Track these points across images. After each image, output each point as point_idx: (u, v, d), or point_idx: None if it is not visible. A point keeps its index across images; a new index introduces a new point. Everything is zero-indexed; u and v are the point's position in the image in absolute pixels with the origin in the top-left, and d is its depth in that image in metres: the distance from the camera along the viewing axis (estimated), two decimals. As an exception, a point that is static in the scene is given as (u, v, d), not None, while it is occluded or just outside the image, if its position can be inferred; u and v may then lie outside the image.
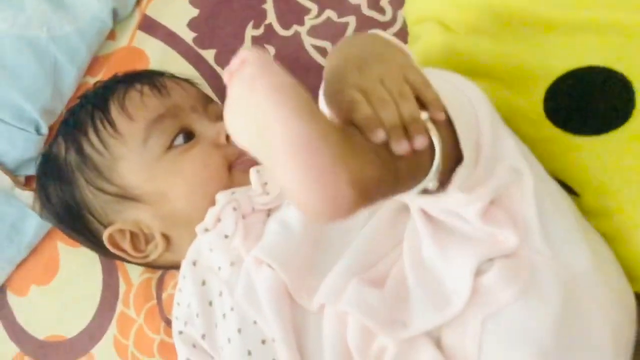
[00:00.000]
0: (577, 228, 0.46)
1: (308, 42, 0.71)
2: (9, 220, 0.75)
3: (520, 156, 0.44)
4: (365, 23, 0.69)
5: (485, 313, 0.42)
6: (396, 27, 0.68)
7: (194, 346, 0.55)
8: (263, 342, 0.50)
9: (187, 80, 0.68)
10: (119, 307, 0.73)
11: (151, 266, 0.67)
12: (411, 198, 0.43)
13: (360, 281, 0.46)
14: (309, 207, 0.34)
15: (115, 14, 0.77)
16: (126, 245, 0.61)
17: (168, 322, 0.70)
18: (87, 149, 0.61)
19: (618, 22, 0.43)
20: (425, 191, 0.41)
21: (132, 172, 0.60)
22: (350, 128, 0.37)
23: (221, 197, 0.56)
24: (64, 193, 0.63)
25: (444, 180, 0.41)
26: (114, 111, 0.61)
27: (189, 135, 0.62)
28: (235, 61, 0.37)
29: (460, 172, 0.41)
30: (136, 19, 0.79)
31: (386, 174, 0.36)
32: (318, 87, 0.68)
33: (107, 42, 0.79)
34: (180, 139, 0.61)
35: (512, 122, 0.46)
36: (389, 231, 0.49)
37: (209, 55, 0.75)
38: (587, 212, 0.48)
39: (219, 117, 0.65)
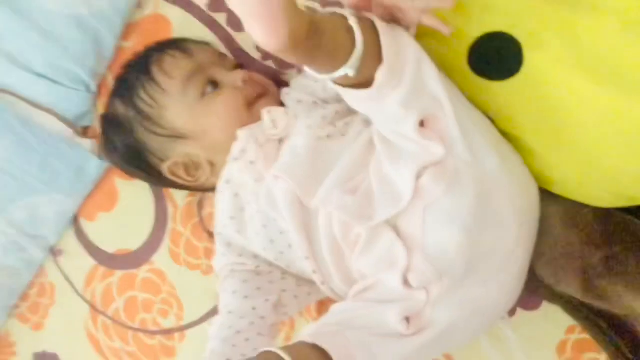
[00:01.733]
0: (489, 140, 0.65)
1: (302, 3, 0.86)
2: (75, 162, 0.95)
3: (442, 89, 0.62)
4: None
5: (425, 204, 0.62)
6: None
7: (231, 242, 0.76)
8: (281, 232, 0.71)
9: (204, 42, 0.85)
10: (170, 224, 0.94)
11: (199, 189, 0.86)
12: (369, 114, 0.63)
13: (341, 191, 0.66)
14: (261, 36, 0.50)
15: (140, -13, 0.93)
16: (181, 173, 0.80)
17: (209, 234, 0.91)
18: (140, 104, 0.79)
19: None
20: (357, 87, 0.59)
21: (177, 117, 0.78)
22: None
23: (242, 133, 0.75)
24: (128, 140, 0.82)
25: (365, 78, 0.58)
26: (156, 73, 0.79)
27: (214, 84, 0.80)
28: None
29: (380, 72, 0.59)
30: (158, -11, 0.94)
31: (311, 40, 0.53)
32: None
33: (135, 11, 0.95)
34: (209, 88, 0.80)
35: (441, 67, 0.64)
36: (362, 156, 0.68)
37: (221, 18, 0.90)
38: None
39: (234, 67, 0.84)
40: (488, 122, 0.67)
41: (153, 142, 0.80)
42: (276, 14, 0.49)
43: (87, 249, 0.99)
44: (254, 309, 0.71)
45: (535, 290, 0.72)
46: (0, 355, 1.05)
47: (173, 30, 0.93)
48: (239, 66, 0.85)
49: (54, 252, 1.01)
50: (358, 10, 0.62)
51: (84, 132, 0.98)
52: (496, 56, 0.63)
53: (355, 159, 0.68)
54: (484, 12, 0.62)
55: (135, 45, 0.94)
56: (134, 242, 0.96)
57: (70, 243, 1.00)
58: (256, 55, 0.89)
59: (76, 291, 1.00)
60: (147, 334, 0.97)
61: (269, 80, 0.84)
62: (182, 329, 0.95)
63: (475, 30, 0.63)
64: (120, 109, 0.82)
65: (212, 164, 0.80)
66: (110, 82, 0.96)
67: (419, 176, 0.62)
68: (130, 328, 0.97)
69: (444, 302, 0.64)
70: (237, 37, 0.90)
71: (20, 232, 0.96)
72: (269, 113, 0.74)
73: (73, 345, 1.01)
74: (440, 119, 0.62)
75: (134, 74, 0.81)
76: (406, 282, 0.64)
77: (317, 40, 0.54)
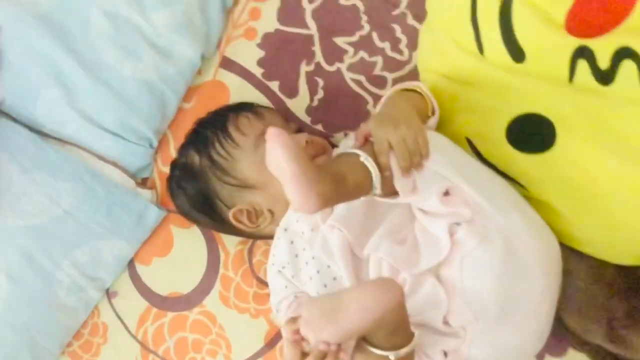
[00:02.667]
0: (510, 201, 0.76)
1: (348, 76, 0.98)
2: (136, 211, 1.04)
3: (448, 165, 0.74)
4: (389, 62, 0.95)
5: (461, 255, 0.71)
6: (412, 64, 0.94)
7: (290, 280, 0.85)
8: (334, 278, 0.80)
9: (272, 108, 0.96)
10: (221, 270, 1.02)
11: (256, 235, 0.94)
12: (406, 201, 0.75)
13: (390, 241, 0.76)
14: (297, 206, 0.66)
15: (202, 57, 1.05)
16: (244, 219, 0.89)
17: (259, 279, 0.99)
18: (215, 156, 0.89)
19: (544, 88, 0.71)
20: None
21: (247, 169, 0.88)
22: (325, 167, 0.70)
23: None
24: (200, 186, 0.91)
25: (390, 190, 0.73)
26: (232, 130, 0.90)
27: None
28: (269, 131, 0.67)
29: (396, 183, 0.73)
30: (217, 59, 1.05)
31: (339, 192, 0.69)
32: (355, 108, 0.97)
33: (196, 76, 1.06)
34: None
35: (479, 142, 0.74)
36: (408, 212, 0.78)
37: (274, 85, 1.01)
38: (529, 199, 0.77)
39: (296, 131, 0.95)
40: (508, 185, 0.78)
41: (222, 190, 0.90)
42: (305, 187, 0.65)
43: (140, 291, 1.07)
44: None
45: (562, 338, 0.80)
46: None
47: (231, 95, 1.04)
48: (300, 130, 0.96)
49: (109, 293, 1.09)
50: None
51: (144, 183, 1.08)
52: (531, 133, 0.73)
53: (403, 214, 0.78)
54: (522, 96, 0.72)
55: (194, 106, 1.05)
56: (186, 285, 1.04)
57: (125, 285, 1.08)
58: (307, 119, 1.00)
59: (128, 331, 1.07)
60: (196, 372, 1.04)
61: (326, 142, 0.94)
62: (229, 368, 1.02)
63: (514, 110, 0.74)
64: (195, 158, 0.92)
65: (272, 213, 0.89)
66: (169, 138, 1.07)
67: (454, 231, 0.72)
68: (180, 367, 1.04)
69: (478, 341, 0.73)
70: (288, 102, 1.01)
71: (82, 274, 1.04)
72: None
73: (123, 382, 1.08)
74: (462, 188, 0.73)
75: (211, 129, 0.91)
76: (446, 322, 0.73)
77: (343, 188, 0.69)
